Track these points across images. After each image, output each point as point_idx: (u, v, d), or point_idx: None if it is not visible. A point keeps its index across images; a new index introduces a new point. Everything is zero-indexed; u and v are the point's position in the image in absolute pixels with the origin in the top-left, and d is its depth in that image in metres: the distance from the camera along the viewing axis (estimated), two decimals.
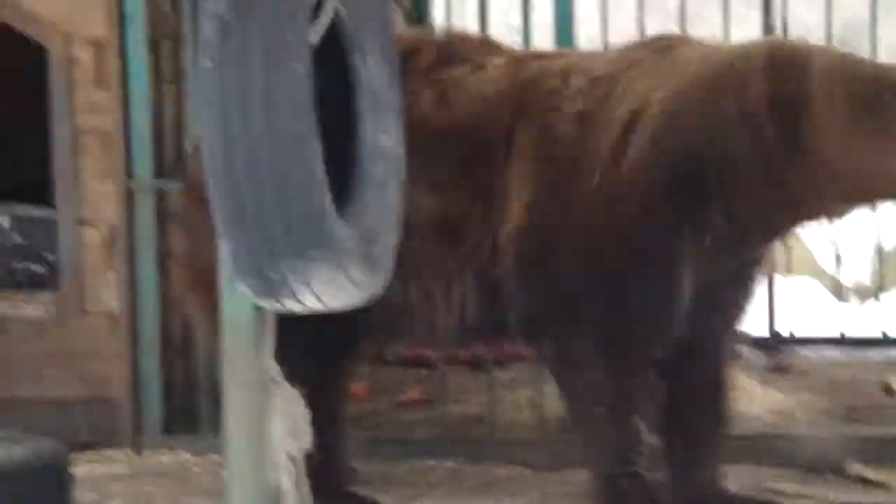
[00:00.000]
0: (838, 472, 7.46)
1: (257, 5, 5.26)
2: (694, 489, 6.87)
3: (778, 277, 10.27)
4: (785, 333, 10.41)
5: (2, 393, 8.09)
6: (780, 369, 9.50)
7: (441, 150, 6.85)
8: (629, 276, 6.53)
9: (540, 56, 7.23)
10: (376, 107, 5.66)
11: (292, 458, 5.80)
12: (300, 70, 5.26)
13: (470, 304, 6.79)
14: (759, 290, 7.04)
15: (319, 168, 5.30)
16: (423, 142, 6.55)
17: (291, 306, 5.47)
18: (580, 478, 7.29)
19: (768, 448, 7.70)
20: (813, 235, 11.19)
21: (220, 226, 5.43)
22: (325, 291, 5.44)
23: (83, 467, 7.23)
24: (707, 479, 6.90)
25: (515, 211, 6.70)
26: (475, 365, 8.75)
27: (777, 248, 7.94)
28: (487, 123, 6.86)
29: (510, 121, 6.84)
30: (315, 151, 5.28)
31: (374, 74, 5.67)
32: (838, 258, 11.27)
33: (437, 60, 7.07)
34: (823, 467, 7.46)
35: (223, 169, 5.35)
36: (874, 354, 9.85)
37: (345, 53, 5.61)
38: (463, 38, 7.36)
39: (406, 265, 6.35)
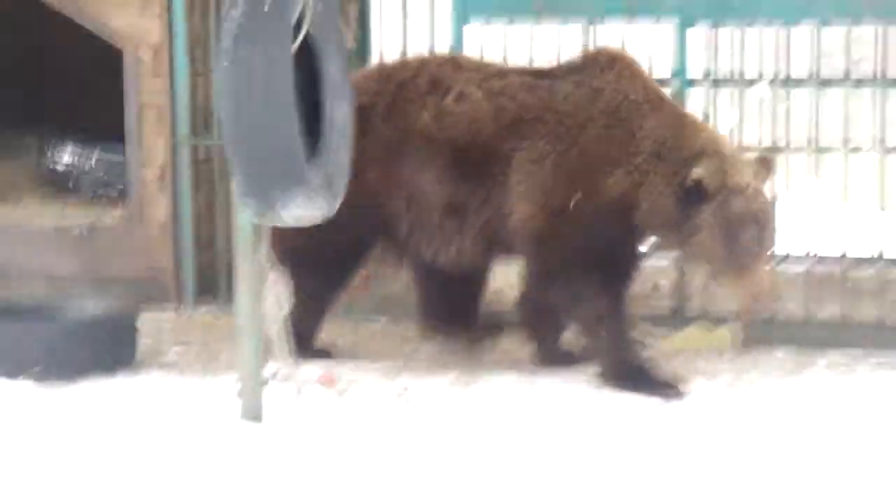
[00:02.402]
0: None
1: (257, 28, 5.30)
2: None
3: None
4: None
5: (91, 273, 8.08)
6: None
7: (440, 157, 6.44)
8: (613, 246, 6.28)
9: (503, 74, 6.58)
10: (334, 94, 5.61)
11: (277, 317, 5.89)
12: (285, 68, 5.30)
13: (462, 253, 6.51)
14: None
15: (297, 132, 5.34)
16: (424, 146, 6.43)
17: (277, 221, 5.53)
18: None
19: None
20: None
21: (232, 167, 5.51)
22: (299, 213, 5.48)
23: (145, 319, 7.21)
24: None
25: (528, 205, 6.32)
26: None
27: None
28: (467, 145, 6.41)
29: (488, 146, 6.39)
30: (294, 121, 5.31)
31: (332, 72, 5.62)
32: None
33: (429, 85, 6.54)
34: None
35: (234, 131, 5.36)
36: None
37: (314, 57, 5.56)
38: (448, 63, 6.68)
39: (427, 230, 6.45)
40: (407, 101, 6.55)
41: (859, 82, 7.42)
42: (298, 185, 5.37)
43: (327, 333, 7.06)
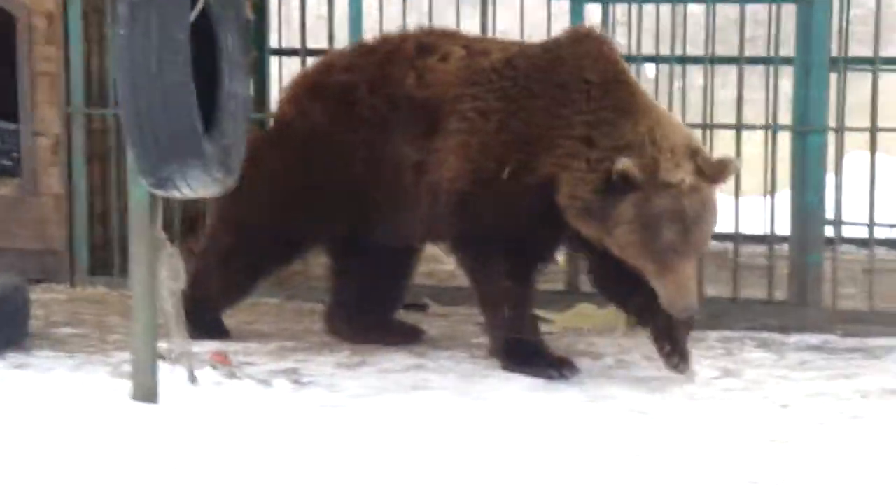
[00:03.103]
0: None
1: None
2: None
3: None
4: None
5: None
6: None
7: (417, 117, 6.31)
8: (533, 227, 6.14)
9: (486, 47, 6.45)
10: (231, 65, 5.58)
11: (173, 293, 5.85)
12: (182, 38, 5.25)
13: (427, 216, 6.35)
14: None
15: (194, 104, 5.29)
16: (408, 110, 6.35)
17: (174, 194, 5.49)
18: None
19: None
20: None
21: (128, 140, 5.44)
22: (196, 185, 5.44)
23: (37, 294, 7.12)
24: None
25: (460, 161, 6.19)
26: None
27: None
28: (439, 100, 6.28)
29: (454, 99, 6.26)
30: (191, 93, 5.27)
31: (230, 43, 5.58)
32: None
33: (416, 50, 6.43)
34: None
35: (131, 101, 5.30)
36: None
37: (212, 28, 5.53)
38: (434, 33, 6.62)
39: (396, 192, 6.34)
40: (395, 64, 6.45)
41: (752, 60, 7.52)
42: (195, 158, 5.33)
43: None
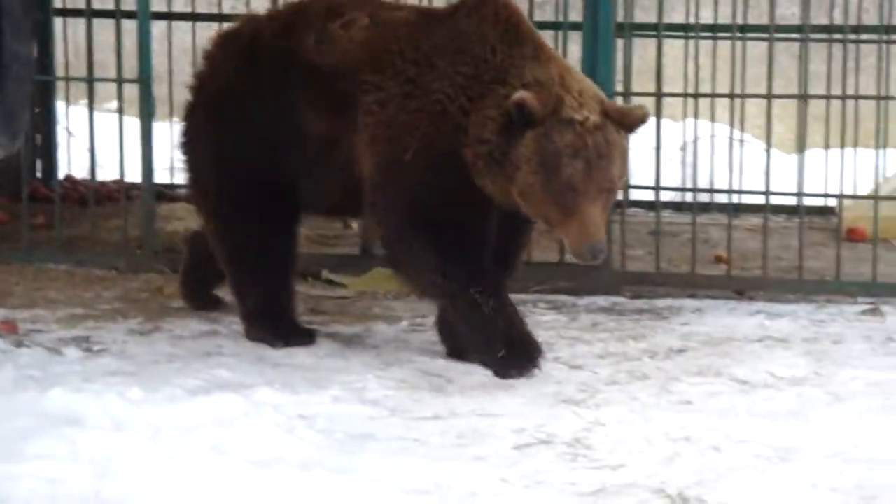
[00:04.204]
0: (316, 277, 7.39)
1: None
2: None
3: None
4: None
5: None
6: None
7: (321, 88, 6.04)
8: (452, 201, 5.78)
9: (391, 17, 6.11)
10: (13, 26, 5.45)
11: None
12: None
13: (336, 190, 6.09)
14: None
15: None
16: (312, 78, 6.06)
17: None
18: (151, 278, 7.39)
19: None
20: None
21: None
22: None
23: None
24: None
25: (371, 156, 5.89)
26: (81, 202, 8.58)
27: None
28: (343, 76, 5.98)
29: (360, 86, 5.95)
30: None
31: (12, 5, 5.43)
32: None
33: (323, 15, 6.12)
34: (307, 274, 7.27)
35: None
36: None
37: None
38: None
39: (309, 164, 6.07)
40: (300, 24, 6.18)
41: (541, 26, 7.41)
42: None
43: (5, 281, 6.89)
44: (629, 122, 5.68)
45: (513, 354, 5.76)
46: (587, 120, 5.56)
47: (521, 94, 5.53)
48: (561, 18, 7.68)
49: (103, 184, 9.00)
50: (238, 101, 6.23)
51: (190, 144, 6.44)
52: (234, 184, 6.22)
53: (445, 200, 5.77)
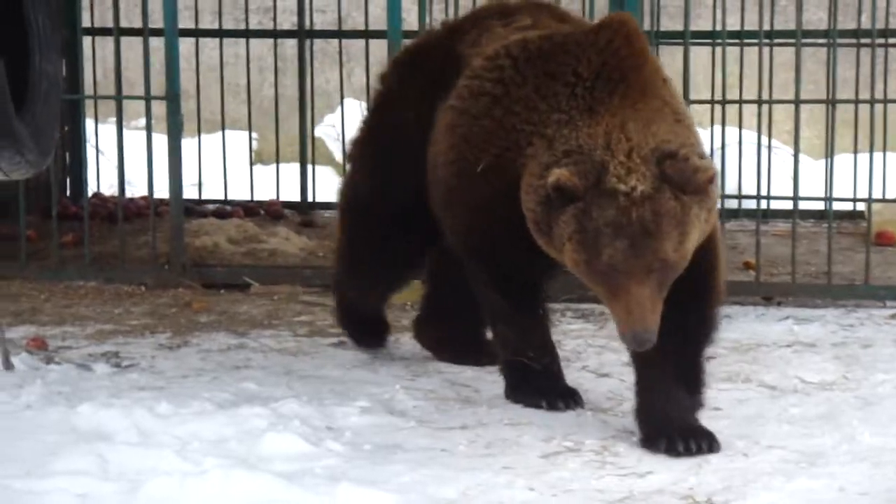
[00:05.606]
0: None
1: None
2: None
3: None
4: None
5: None
6: (305, 224, 9.21)
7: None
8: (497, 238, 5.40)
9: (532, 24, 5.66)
10: (41, 44, 5.48)
11: None
12: None
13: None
14: None
15: (4, 84, 5.22)
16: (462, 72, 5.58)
17: None
18: (180, 294, 7.43)
19: (300, 273, 7.74)
20: None
21: None
22: (9, 168, 5.34)
23: None
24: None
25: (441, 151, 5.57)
26: (110, 218, 8.65)
27: None
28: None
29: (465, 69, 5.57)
30: (1, 75, 5.21)
31: (41, 24, 5.49)
32: None
33: (493, 15, 5.77)
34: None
35: None
36: None
37: (21, 6, 5.41)
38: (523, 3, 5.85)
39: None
40: (468, 24, 5.84)
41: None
42: (6, 139, 5.23)
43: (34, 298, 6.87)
44: (692, 188, 4.89)
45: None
46: (634, 190, 4.84)
47: (557, 176, 4.89)
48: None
49: (132, 200, 9.07)
50: (402, 111, 5.89)
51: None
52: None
53: (505, 233, 5.37)
